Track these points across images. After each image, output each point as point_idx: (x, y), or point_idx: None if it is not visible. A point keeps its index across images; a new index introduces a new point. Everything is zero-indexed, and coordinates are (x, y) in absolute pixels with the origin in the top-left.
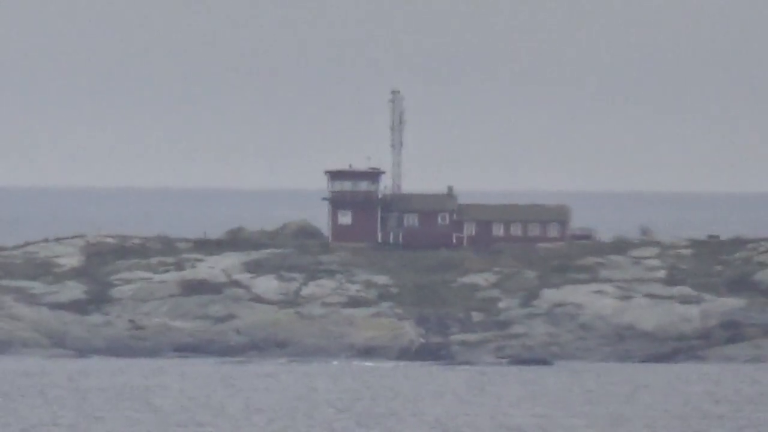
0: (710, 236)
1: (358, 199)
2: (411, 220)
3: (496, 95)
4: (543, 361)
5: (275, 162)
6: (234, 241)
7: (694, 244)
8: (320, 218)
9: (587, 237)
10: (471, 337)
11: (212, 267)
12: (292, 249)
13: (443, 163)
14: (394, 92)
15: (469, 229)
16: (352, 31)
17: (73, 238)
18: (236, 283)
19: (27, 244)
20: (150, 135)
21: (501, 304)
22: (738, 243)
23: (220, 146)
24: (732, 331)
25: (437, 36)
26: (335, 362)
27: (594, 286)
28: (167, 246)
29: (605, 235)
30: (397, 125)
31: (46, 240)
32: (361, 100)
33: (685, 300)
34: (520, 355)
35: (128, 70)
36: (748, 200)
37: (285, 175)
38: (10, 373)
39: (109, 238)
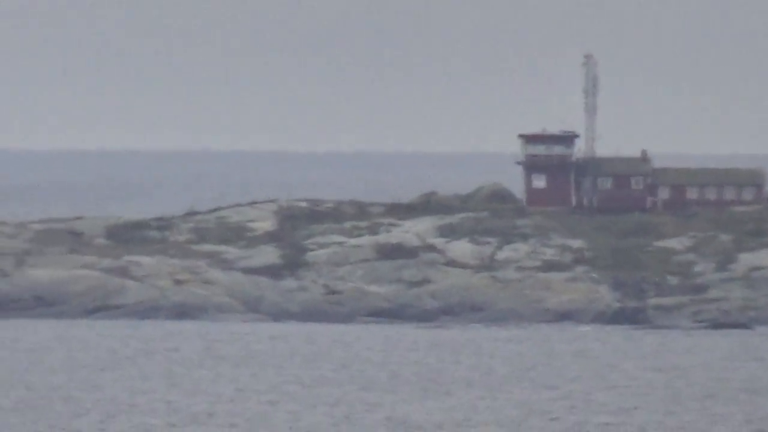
0: None
1: (553, 162)
2: (605, 183)
3: (689, 57)
4: (741, 326)
5: (468, 126)
6: (427, 205)
7: None
8: (513, 182)
9: None
10: (667, 301)
11: (406, 231)
12: (486, 213)
13: (637, 127)
14: (587, 56)
15: (663, 193)
16: None
17: (265, 202)
18: (431, 248)
19: (219, 208)
20: (331, 98)
21: (697, 268)
22: None
23: (414, 111)
24: None
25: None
26: (531, 326)
27: None
28: (360, 210)
29: None
30: (591, 89)
31: (238, 204)
32: (554, 63)
33: None
34: (717, 319)
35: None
36: None
37: (478, 139)
38: (206, 337)
39: (302, 203)
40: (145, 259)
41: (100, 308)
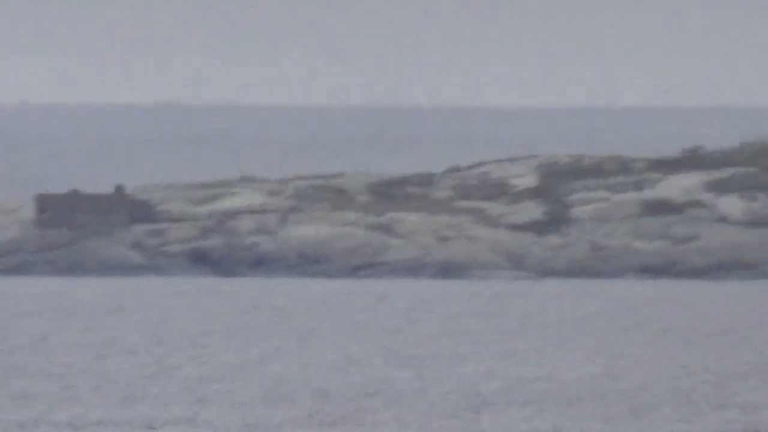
0: None
1: None
2: None
3: None
4: None
5: (734, 77)
6: (693, 159)
7: None
8: None
9: None
10: None
11: (673, 186)
12: (756, 168)
13: None
14: None
15: None
16: None
17: (526, 158)
18: (698, 203)
19: (480, 164)
20: (588, 53)
21: None
22: None
23: (674, 62)
24: None
25: None
26: None
27: None
28: (623, 165)
29: None
30: None
31: (499, 160)
32: None
33: None
34: None
35: None
36: None
37: (746, 92)
38: (470, 297)
39: (564, 158)
40: (409, 216)
41: (364, 266)
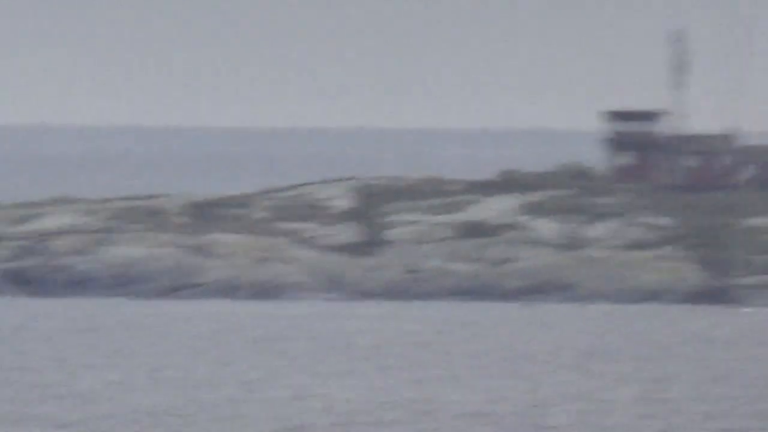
0: None
1: (639, 140)
2: (692, 161)
3: None
4: None
5: (546, 101)
6: (508, 182)
7: None
8: (596, 160)
9: None
10: (755, 280)
11: (488, 209)
12: (571, 191)
13: (726, 104)
14: (676, 31)
15: (752, 171)
16: None
17: (343, 179)
18: (513, 226)
19: (297, 185)
20: (400, 74)
21: None
22: None
23: (493, 85)
24: None
25: None
26: (615, 305)
27: None
28: (439, 188)
29: None
30: (679, 66)
31: (317, 182)
32: (638, 39)
33: None
34: None
35: None
36: None
37: (556, 115)
38: (284, 319)
39: (380, 180)
40: (226, 237)
41: (180, 287)
